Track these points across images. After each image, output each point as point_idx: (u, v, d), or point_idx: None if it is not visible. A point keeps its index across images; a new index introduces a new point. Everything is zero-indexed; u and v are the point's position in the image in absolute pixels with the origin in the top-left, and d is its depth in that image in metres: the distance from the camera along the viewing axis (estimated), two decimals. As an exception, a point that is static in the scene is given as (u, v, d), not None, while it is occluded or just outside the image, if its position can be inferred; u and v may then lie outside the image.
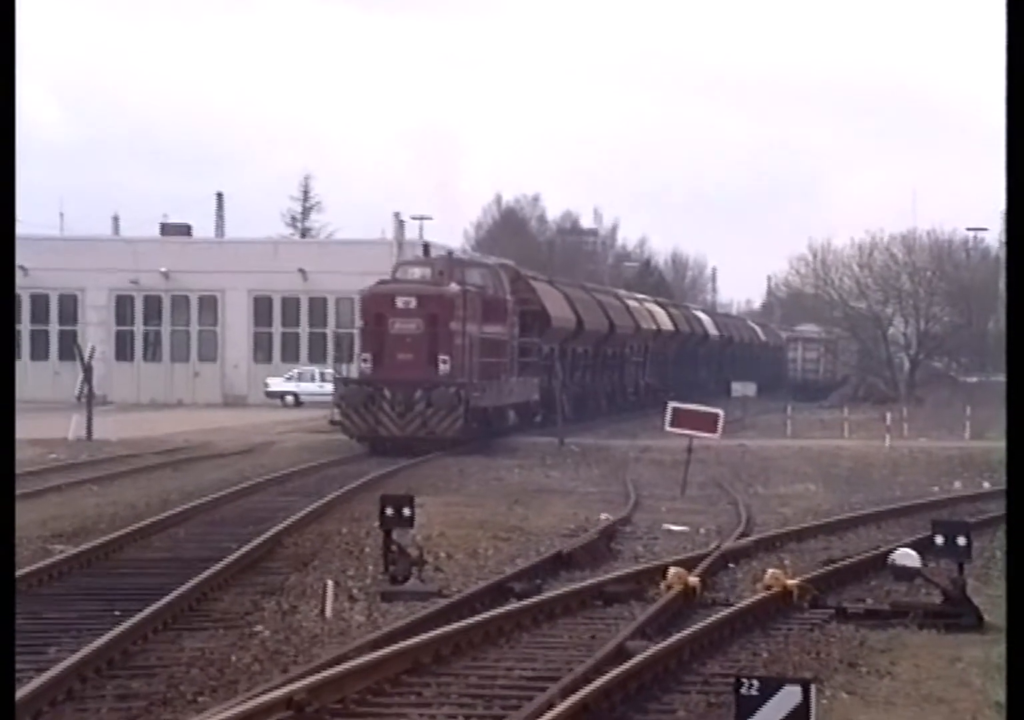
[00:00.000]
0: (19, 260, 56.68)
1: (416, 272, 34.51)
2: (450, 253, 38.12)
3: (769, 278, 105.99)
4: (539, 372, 39.78)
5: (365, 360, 32.79)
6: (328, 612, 13.14)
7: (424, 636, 11.37)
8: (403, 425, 32.11)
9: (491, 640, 12.01)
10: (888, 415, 39.72)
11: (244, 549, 16.22)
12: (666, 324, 59.13)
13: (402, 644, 11.04)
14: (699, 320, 68.65)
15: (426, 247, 38.44)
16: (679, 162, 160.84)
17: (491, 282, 36.18)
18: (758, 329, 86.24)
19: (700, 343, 67.05)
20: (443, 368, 32.52)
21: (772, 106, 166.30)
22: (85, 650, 10.82)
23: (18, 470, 26.98)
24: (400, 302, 32.61)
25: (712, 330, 69.53)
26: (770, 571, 14.29)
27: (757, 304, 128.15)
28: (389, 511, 15.06)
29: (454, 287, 33.42)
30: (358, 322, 34.39)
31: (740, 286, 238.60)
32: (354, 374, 33.58)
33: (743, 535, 18.79)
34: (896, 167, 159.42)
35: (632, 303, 55.28)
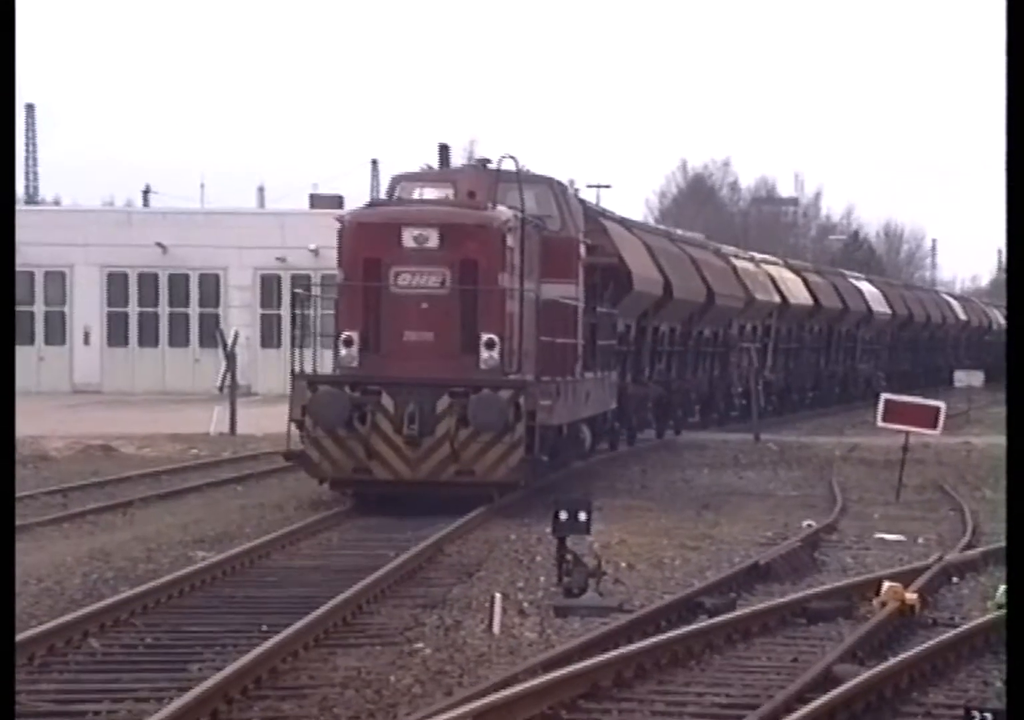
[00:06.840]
0: (157, 236, 58.07)
1: (430, 192, 23.00)
2: (484, 162, 23.79)
3: (1000, 252, 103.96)
4: (614, 362, 28.57)
5: (348, 343, 21.09)
6: (496, 628, 13.22)
7: (603, 656, 11.38)
8: (416, 460, 20.46)
9: (679, 662, 11.99)
10: None
11: (403, 557, 16.36)
12: (800, 296, 47.58)
13: (578, 665, 11.07)
14: (858, 292, 56.45)
15: (443, 149, 25.52)
16: (892, 119, 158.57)
17: (555, 210, 23.77)
18: (956, 305, 77.78)
19: (860, 324, 56.35)
20: (488, 357, 20.73)
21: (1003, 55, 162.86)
22: (230, 668, 11.01)
23: (157, 468, 27.64)
24: (410, 237, 20.55)
25: (879, 307, 57.98)
26: (1002, 588, 14.03)
27: (985, 282, 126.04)
28: (563, 516, 15.07)
29: (504, 211, 21.48)
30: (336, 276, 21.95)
31: (964, 261, 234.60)
32: (326, 368, 22.39)
33: (969, 546, 18.49)
34: None
35: (744, 264, 43.30)
